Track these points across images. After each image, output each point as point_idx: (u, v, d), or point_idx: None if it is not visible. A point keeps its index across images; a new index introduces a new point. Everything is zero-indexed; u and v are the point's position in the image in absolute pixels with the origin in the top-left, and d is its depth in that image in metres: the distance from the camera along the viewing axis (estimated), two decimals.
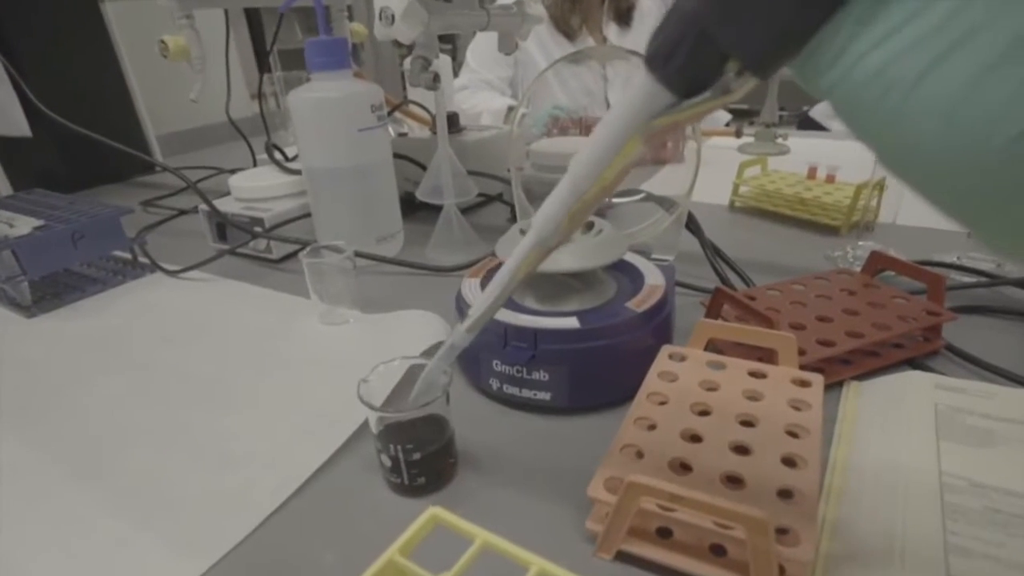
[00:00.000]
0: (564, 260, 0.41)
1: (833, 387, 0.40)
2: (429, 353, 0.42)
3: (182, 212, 0.88)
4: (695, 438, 0.32)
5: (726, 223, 0.75)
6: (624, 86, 1.34)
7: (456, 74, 1.42)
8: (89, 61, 1.09)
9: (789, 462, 0.30)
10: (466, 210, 0.80)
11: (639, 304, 0.41)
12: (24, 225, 0.62)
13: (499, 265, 0.33)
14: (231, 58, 0.87)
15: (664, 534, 0.29)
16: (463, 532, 0.21)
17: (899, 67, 0.15)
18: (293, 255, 0.69)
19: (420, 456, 0.33)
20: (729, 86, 0.19)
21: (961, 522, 0.28)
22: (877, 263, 0.51)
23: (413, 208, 0.74)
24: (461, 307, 0.44)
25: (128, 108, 1.16)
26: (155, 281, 0.67)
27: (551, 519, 0.32)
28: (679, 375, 0.38)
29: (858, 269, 0.52)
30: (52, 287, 0.65)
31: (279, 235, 0.67)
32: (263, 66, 0.85)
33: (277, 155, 0.77)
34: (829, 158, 0.77)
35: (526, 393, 0.40)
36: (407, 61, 0.58)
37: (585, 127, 0.89)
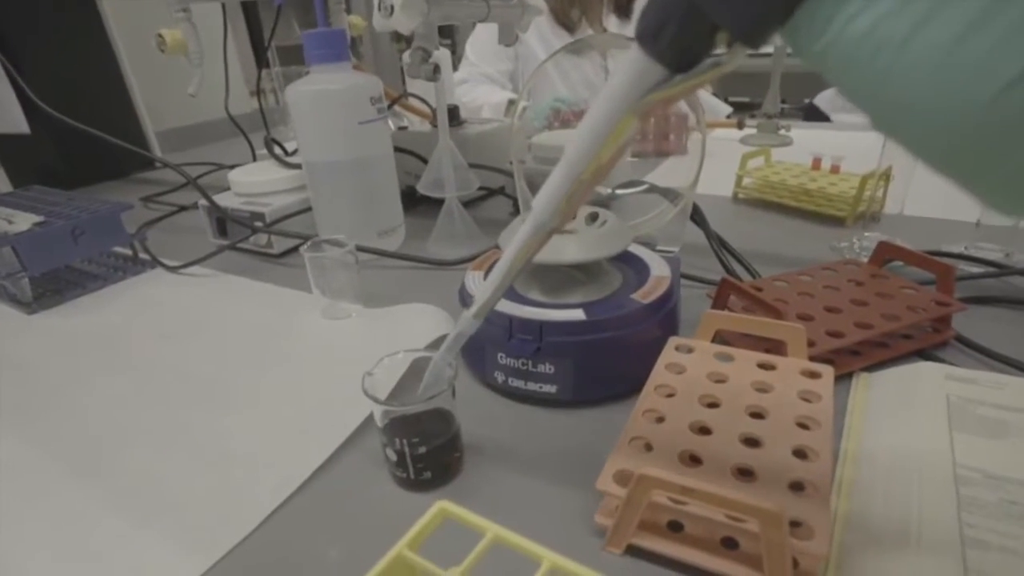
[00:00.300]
0: (569, 251, 0.40)
1: (842, 379, 0.40)
2: (433, 346, 0.42)
3: (182, 208, 0.88)
4: (704, 430, 0.32)
5: (729, 214, 0.75)
6: None
7: (455, 68, 1.41)
8: (87, 57, 1.09)
9: (800, 454, 0.30)
10: (468, 203, 0.79)
11: (645, 296, 0.40)
12: (24, 221, 0.61)
13: None
14: (229, 55, 0.86)
15: (674, 527, 0.29)
16: (473, 526, 0.21)
17: (887, 27, 0.15)
18: (294, 250, 0.69)
19: (426, 450, 0.33)
20: (720, 58, 0.19)
21: (977, 514, 0.27)
22: (885, 253, 0.50)
23: (414, 202, 0.73)
24: (465, 299, 0.43)
25: (126, 104, 1.16)
26: (156, 277, 0.66)
27: (558, 513, 0.32)
28: (687, 367, 0.37)
29: (865, 260, 0.51)
30: (52, 283, 0.64)
31: (280, 230, 0.67)
32: (261, 62, 0.85)
33: (277, 150, 0.76)
34: (833, 149, 0.77)
35: (531, 386, 0.40)
36: (406, 55, 0.57)
37: None
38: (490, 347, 0.40)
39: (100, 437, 0.41)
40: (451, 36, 2.18)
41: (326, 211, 0.64)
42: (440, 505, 0.22)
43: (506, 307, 0.39)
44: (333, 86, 0.58)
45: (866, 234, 0.60)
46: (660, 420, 0.33)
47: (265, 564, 0.31)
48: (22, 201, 0.70)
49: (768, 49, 0.19)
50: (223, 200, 0.70)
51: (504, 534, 0.20)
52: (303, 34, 0.57)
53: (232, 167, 0.80)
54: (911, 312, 0.43)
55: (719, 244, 0.56)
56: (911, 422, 0.34)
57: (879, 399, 0.38)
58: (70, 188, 0.84)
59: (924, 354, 0.43)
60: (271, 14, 0.77)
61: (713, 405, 0.34)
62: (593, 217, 0.44)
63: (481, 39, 1.41)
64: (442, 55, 0.68)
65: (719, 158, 0.81)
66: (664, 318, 0.41)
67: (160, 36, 0.73)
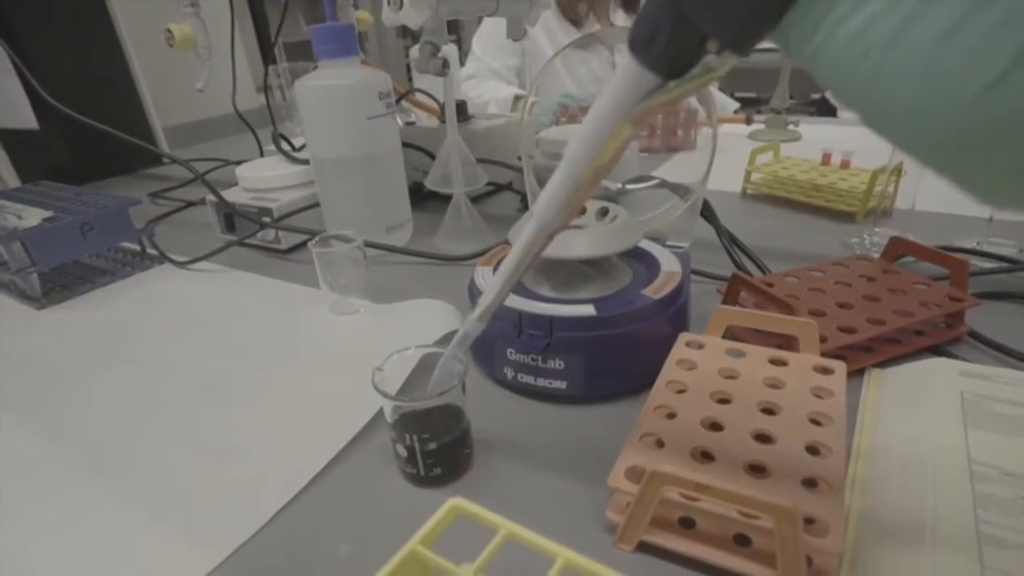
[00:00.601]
0: (579, 247, 0.40)
1: (854, 375, 0.39)
2: (442, 342, 0.42)
3: (190, 204, 0.88)
4: (716, 426, 0.32)
5: (738, 210, 0.74)
6: None
7: (462, 63, 1.41)
8: (95, 53, 1.09)
9: (813, 450, 0.30)
10: (476, 199, 0.79)
11: (656, 291, 0.40)
12: (33, 217, 0.61)
13: None
14: (236, 51, 0.86)
15: (686, 524, 0.29)
16: (486, 522, 0.21)
17: (875, 28, 0.15)
18: (302, 245, 0.69)
19: (436, 446, 0.33)
20: (711, 65, 0.20)
21: (994, 511, 0.27)
22: (897, 248, 0.49)
23: (422, 197, 0.73)
24: (474, 295, 0.43)
25: (134, 100, 1.16)
26: (164, 272, 0.66)
27: (569, 509, 0.32)
28: (698, 363, 0.37)
29: (876, 255, 0.51)
30: (61, 278, 0.65)
31: (288, 225, 0.67)
32: (268, 58, 0.85)
33: (284, 145, 0.76)
34: (842, 144, 0.76)
35: (541, 382, 0.39)
36: (414, 50, 0.57)
37: None
38: (500, 343, 0.40)
39: (108, 432, 0.41)
40: (456, 32, 2.18)
41: (334, 207, 0.64)
42: (453, 502, 0.22)
43: (516, 302, 0.39)
44: (342, 81, 0.57)
45: (877, 230, 0.60)
46: (671, 416, 0.33)
47: (275, 561, 0.31)
48: (31, 196, 0.70)
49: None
50: (231, 196, 0.70)
51: (518, 530, 0.20)
52: (311, 28, 0.57)
53: (239, 163, 0.80)
54: (924, 308, 0.42)
55: (729, 240, 0.56)
56: (925, 418, 0.34)
57: (892, 395, 0.37)
58: (78, 183, 0.84)
59: (937, 350, 0.42)
60: (277, 10, 0.77)
61: (724, 401, 0.34)
62: (603, 212, 0.44)
63: (487, 34, 1.41)
64: (450, 50, 0.68)
65: (727, 153, 0.80)
66: (675, 314, 0.41)
67: (169, 31, 0.74)
